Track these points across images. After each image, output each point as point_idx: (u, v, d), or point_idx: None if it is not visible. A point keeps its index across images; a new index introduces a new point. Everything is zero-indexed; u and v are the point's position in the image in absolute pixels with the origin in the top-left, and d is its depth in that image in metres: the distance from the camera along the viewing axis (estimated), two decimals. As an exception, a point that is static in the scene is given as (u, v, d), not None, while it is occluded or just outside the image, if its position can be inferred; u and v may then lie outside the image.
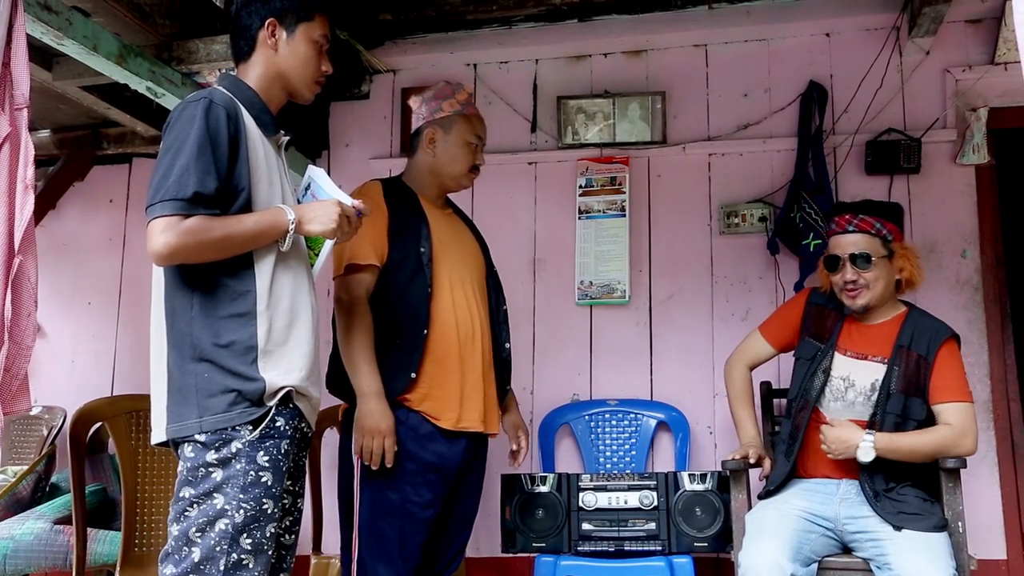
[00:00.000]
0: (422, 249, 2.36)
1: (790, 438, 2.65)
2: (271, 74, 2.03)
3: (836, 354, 2.63)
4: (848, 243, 2.59)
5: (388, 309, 2.32)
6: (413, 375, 2.29)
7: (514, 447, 2.62)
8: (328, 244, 2.03)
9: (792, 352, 2.79)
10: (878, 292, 2.57)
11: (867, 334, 2.62)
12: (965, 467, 2.48)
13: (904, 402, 2.51)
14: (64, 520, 3.04)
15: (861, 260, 2.56)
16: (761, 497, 2.66)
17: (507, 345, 2.58)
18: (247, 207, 1.86)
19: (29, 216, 2.12)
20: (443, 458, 2.32)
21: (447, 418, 2.32)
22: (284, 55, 2.02)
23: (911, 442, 2.45)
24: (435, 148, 2.49)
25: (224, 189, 1.82)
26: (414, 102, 2.58)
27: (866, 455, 2.40)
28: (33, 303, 2.14)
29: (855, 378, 2.58)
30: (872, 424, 2.51)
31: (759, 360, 2.88)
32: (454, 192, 2.60)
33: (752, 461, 2.68)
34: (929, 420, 2.52)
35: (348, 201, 2.01)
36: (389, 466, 2.22)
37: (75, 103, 3.61)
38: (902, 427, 2.49)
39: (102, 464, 3.38)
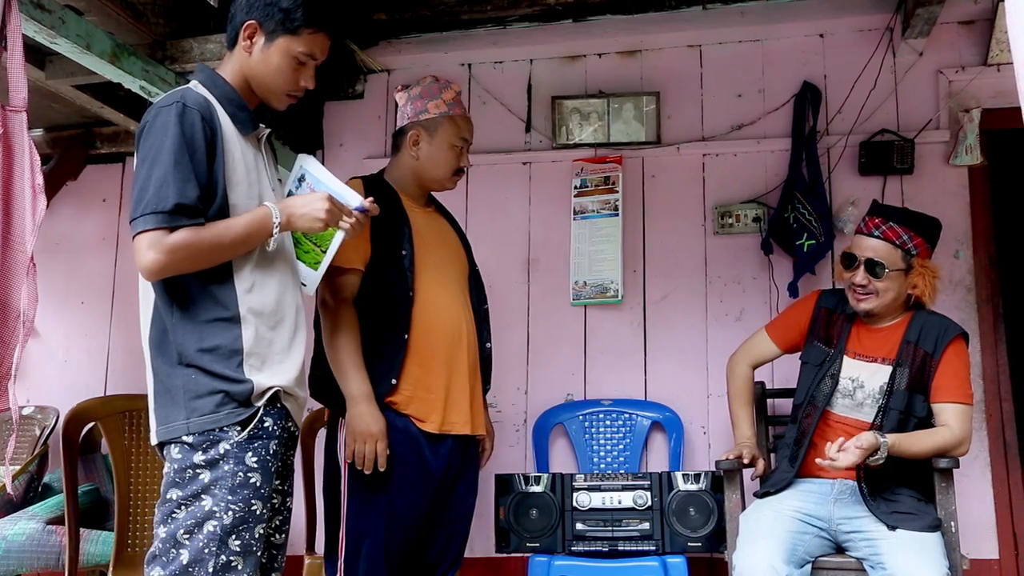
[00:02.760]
0: (403, 252, 2.32)
1: (795, 443, 2.65)
2: (242, 74, 1.96)
3: (846, 358, 2.64)
4: (868, 247, 2.58)
5: (370, 313, 2.29)
6: (394, 380, 2.27)
7: (479, 449, 2.56)
8: (337, 239, 1.99)
9: (798, 355, 2.79)
10: (885, 302, 2.58)
11: (875, 337, 2.64)
12: (958, 467, 2.50)
13: (908, 399, 2.52)
14: (57, 520, 3.03)
15: (876, 267, 2.56)
16: (757, 496, 2.66)
17: (488, 345, 2.55)
18: (223, 210, 1.83)
19: (40, 221, 2.12)
20: (428, 461, 2.30)
21: (432, 421, 2.31)
22: (256, 61, 1.94)
23: (912, 444, 2.44)
24: (419, 150, 2.44)
25: (204, 194, 1.79)
26: (400, 97, 2.52)
27: (877, 461, 2.39)
28: (33, 307, 2.14)
29: (864, 379, 2.59)
30: (876, 424, 2.51)
31: (763, 359, 2.88)
32: (437, 192, 2.57)
33: (746, 461, 2.69)
34: (930, 417, 2.53)
35: (354, 200, 1.97)
36: (382, 470, 2.21)
37: (68, 102, 3.60)
38: (904, 424, 2.50)
39: (95, 464, 3.37)
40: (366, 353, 2.27)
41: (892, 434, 2.42)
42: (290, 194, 2.00)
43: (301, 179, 2.02)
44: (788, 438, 2.70)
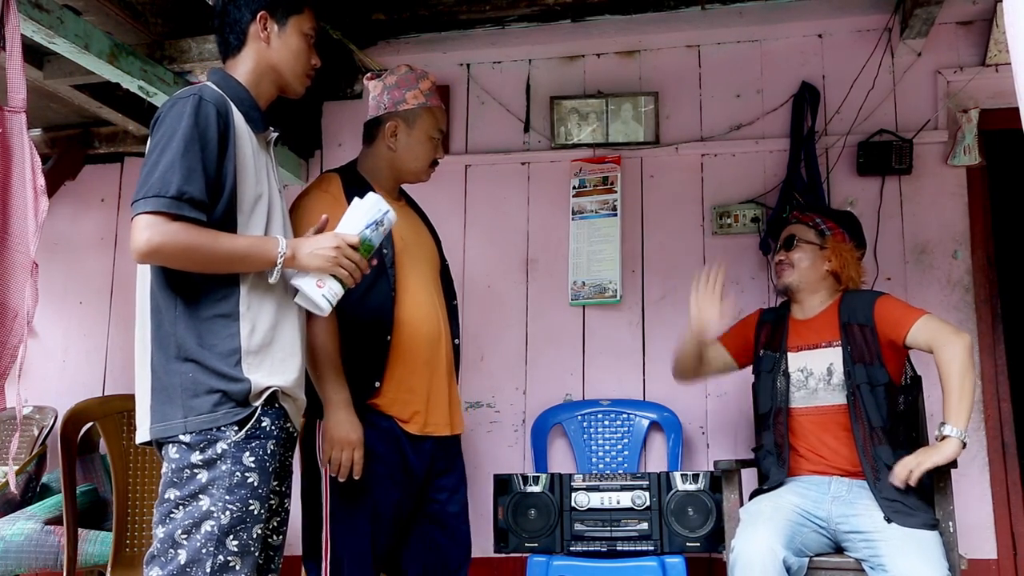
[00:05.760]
0: (384, 251, 2.26)
1: (776, 446, 2.67)
2: (262, 68, 2.01)
3: (789, 354, 2.72)
4: (786, 231, 2.82)
5: (351, 314, 2.22)
6: (378, 383, 2.24)
7: None
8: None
9: (750, 368, 2.87)
10: (801, 272, 2.73)
11: (811, 327, 2.73)
12: (956, 467, 2.49)
13: (866, 371, 2.58)
14: (55, 520, 3.03)
15: (788, 241, 2.78)
16: (759, 491, 2.68)
17: (456, 341, 2.49)
18: (231, 205, 1.84)
19: (43, 222, 2.12)
20: (411, 460, 2.27)
21: (415, 422, 2.28)
22: (276, 49, 2.01)
23: (961, 403, 2.41)
24: (396, 141, 2.38)
25: (211, 187, 1.80)
26: (374, 87, 2.45)
27: (958, 448, 2.39)
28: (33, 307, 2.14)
29: (811, 367, 2.67)
30: (852, 401, 2.54)
31: (716, 365, 2.90)
32: (411, 184, 2.50)
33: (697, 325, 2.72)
34: (892, 379, 2.57)
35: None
36: (357, 478, 2.16)
37: (66, 102, 3.60)
38: (874, 392, 2.56)
39: (93, 464, 3.36)
40: (349, 355, 2.22)
41: (950, 423, 2.39)
42: (365, 239, 1.94)
43: (377, 224, 1.95)
44: (768, 444, 2.72)
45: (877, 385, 2.56)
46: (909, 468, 2.39)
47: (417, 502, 2.33)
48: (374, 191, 2.30)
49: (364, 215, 1.95)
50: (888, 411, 2.56)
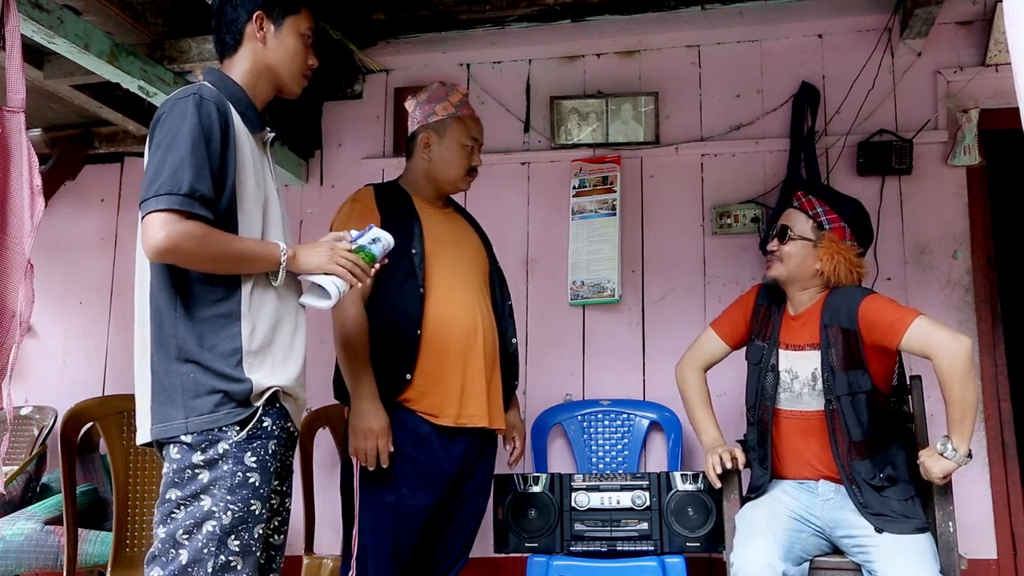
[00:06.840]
0: (413, 250, 2.35)
1: (760, 444, 2.64)
2: (258, 68, 2.00)
3: (779, 350, 2.62)
4: (785, 215, 2.67)
5: (382, 312, 2.32)
6: (408, 376, 2.29)
7: (507, 448, 2.61)
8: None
9: (744, 353, 2.78)
10: (789, 268, 2.59)
11: (798, 324, 2.61)
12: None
13: (847, 379, 2.46)
14: (55, 520, 3.03)
15: (784, 232, 2.62)
16: (746, 499, 2.66)
17: (513, 340, 2.58)
18: (232, 205, 1.84)
19: (39, 222, 2.12)
20: (441, 460, 2.32)
21: (447, 414, 2.32)
22: (272, 49, 2.00)
23: (963, 423, 2.33)
24: (430, 153, 2.49)
25: (216, 186, 1.80)
26: (409, 104, 2.58)
27: (952, 469, 2.37)
28: (29, 307, 2.14)
29: (797, 370, 2.58)
30: (831, 411, 2.47)
31: (713, 360, 2.81)
32: (453, 194, 2.61)
33: (729, 466, 2.61)
34: (875, 386, 2.47)
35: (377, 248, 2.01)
36: (385, 466, 2.23)
37: (66, 102, 3.60)
38: (855, 402, 2.45)
39: (93, 464, 3.37)
40: (381, 351, 2.29)
41: (952, 443, 2.34)
42: (362, 247, 1.98)
43: (374, 240, 2.01)
44: (751, 440, 2.69)
45: (859, 393, 2.45)
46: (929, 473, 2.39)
47: (446, 500, 2.37)
48: (411, 200, 2.46)
49: (362, 233, 2.03)
50: (870, 419, 2.45)
